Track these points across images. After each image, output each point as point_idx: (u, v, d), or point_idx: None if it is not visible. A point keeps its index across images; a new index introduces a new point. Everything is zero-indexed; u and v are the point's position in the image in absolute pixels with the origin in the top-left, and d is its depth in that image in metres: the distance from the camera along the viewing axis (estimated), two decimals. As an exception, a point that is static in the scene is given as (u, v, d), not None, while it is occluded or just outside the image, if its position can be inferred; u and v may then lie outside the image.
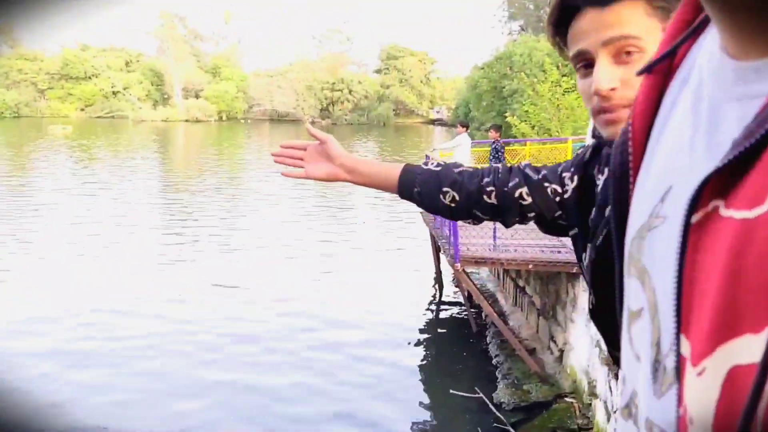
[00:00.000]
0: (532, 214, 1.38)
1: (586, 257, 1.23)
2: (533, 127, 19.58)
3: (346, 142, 48.54)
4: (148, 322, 8.92)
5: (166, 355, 7.86)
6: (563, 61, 25.64)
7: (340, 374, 7.47)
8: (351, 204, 19.91)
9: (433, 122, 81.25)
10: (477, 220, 1.46)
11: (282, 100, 76.16)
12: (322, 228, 15.77)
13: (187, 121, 68.97)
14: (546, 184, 1.34)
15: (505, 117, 21.68)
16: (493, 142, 10.76)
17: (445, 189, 1.42)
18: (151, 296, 10.00)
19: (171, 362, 7.65)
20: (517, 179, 1.37)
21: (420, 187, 1.44)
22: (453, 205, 1.42)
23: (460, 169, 1.45)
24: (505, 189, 1.37)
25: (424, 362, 8.15)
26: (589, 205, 1.25)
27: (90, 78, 73.47)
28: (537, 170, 1.37)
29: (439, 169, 1.45)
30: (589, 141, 1.24)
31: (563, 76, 21.66)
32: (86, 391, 6.92)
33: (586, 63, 1.07)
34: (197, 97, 74.25)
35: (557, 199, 1.34)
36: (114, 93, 73.02)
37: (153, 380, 7.17)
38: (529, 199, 1.36)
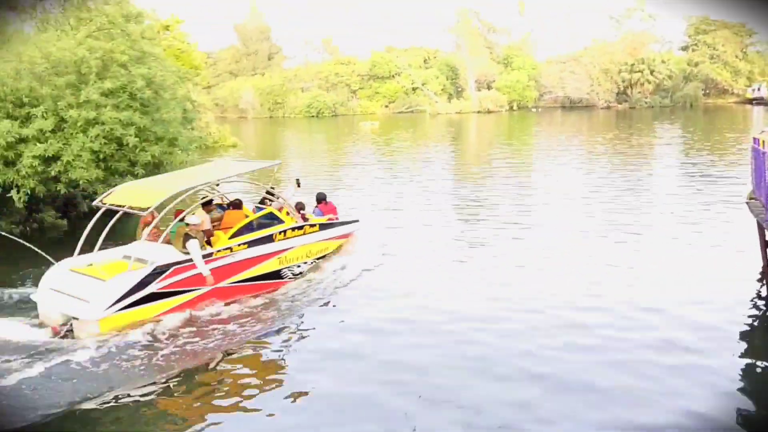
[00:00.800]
0: None
1: None
2: None
3: (644, 124, 45.24)
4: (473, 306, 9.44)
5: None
6: None
7: (665, 375, 7.10)
8: (651, 196, 18.53)
9: (750, 102, 71.36)
10: None
11: (575, 86, 73.95)
12: (625, 219, 14.96)
13: (479, 112, 71.03)
14: None
15: None
16: None
17: None
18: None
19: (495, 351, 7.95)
20: None
21: None
22: None
23: None
24: None
25: (760, 364, 7.25)
26: None
27: (393, 77, 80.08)
28: None
29: None
30: None
31: None
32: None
33: None
34: (489, 88, 75.98)
35: None
36: (413, 89, 78.51)
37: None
38: None
